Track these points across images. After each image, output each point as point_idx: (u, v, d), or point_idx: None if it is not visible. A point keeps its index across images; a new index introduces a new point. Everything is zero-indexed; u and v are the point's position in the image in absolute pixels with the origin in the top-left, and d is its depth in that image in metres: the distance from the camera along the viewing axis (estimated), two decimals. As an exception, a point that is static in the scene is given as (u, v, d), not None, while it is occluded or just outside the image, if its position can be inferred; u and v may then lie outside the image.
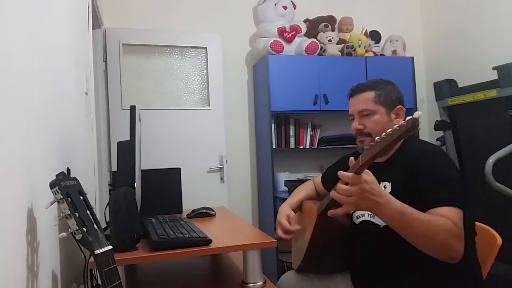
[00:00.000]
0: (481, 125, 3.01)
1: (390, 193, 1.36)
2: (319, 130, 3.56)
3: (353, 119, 1.52)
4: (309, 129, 3.53)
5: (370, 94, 1.47)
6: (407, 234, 1.20)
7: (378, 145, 1.03)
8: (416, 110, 3.50)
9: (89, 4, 2.34)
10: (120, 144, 1.51)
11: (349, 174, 1.13)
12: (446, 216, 1.19)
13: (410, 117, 0.96)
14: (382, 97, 1.46)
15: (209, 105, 3.41)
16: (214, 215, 1.87)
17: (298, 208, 1.70)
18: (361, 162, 1.09)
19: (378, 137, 1.04)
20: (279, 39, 3.31)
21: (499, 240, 1.48)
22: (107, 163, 3.11)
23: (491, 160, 2.52)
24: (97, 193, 2.28)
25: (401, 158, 1.42)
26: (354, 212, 1.50)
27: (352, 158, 1.18)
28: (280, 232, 1.54)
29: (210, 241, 1.27)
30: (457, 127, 3.23)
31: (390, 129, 1.00)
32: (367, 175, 1.14)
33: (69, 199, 0.95)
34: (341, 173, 1.16)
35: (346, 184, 1.15)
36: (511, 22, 3.07)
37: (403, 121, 0.97)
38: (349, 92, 1.56)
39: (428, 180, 1.29)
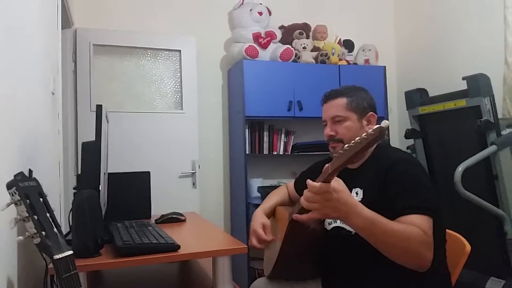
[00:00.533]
0: (451, 134, 3.07)
1: (362, 199, 1.36)
2: (292, 136, 3.56)
3: (326, 125, 1.52)
4: (283, 135, 3.52)
5: (342, 101, 1.48)
6: (376, 243, 1.20)
7: (346, 154, 1.03)
8: (387, 118, 3.54)
9: (58, 3, 2.26)
10: (85, 145, 1.45)
11: (316, 184, 1.11)
12: (416, 224, 1.20)
13: (378, 126, 0.97)
14: (354, 103, 1.47)
15: (182, 109, 3.36)
16: (184, 220, 1.83)
17: (272, 214, 1.68)
18: (330, 170, 1.08)
19: (346, 145, 1.03)
20: (254, 45, 3.30)
21: (468, 247, 1.50)
22: (74, 166, 3.01)
23: (460, 168, 2.56)
24: (62, 197, 2.19)
25: (373, 165, 1.42)
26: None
27: (326, 165, 1.16)
28: (254, 241, 1.52)
29: (178, 247, 1.23)
30: (427, 136, 3.29)
31: (358, 138, 1.00)
32: (337, 184, 1.13)
33: (28, 201, 0.90)
34: (309, 182, 1.14)
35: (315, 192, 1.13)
36: (480, 34, 3.16)
37: (371, 130, 0.98)
38: (322, 98, 1.56)
39: (399, 187, 1.29)
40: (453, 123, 3.03)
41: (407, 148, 3.46)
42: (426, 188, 1.30)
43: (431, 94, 3.31)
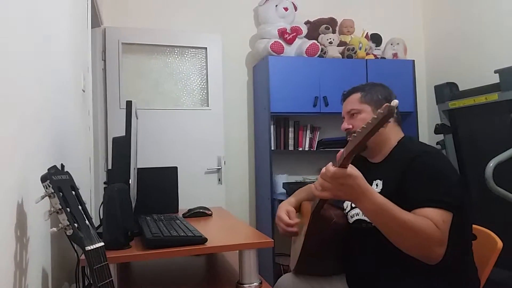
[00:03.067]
0: (482, 128, 2.99)
1: (382, 190, 1.36)
2: (318, 132, 3.54)
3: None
4: (308, 131, 3.51)
5: (356, 95, 1.54)
6: (386, 231, 1.21)
7: (359, 136, 1.05)
8: (416, 113, 3.48)
9: (88, 3, 2.32)
10: (115, 140, 1.49)
11: (332, 168, 1.15)
12: (430, 218, 1.19)
13: (386, 104, 0.99)
14: (368, 96, 1.51)
15: (208, 106, 3.39)
16: (210, 215, 1.85)
17: (298, 208, 1.68)
18: (345, 154, 1.11)
19: (359, 128, 1.06)
20: (279, 40, 3.29)
21: (500, 243, 1.46)
22: (104, 162, 3.09)
23: (492, 164, 2.49)
24: (92, 192, 2.26)
25: (395, 157, 1.43)
26: (350, 211, 1.48)
27: (341, 151, 1.18)
28: (283, 227, 1.53)
29: (205, 239, 1.25)
30: (458, 131, 3.21)
31: (369, 119, 1.02)
32: (352, 169, 1.16)
33: (61, 193, 0.93)
34: (328, 166, 1.18)
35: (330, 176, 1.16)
36: (512, 26, 3.06)
37: (380, 110, 0.99)
38: (341, 97, 1.63)
39: (419, 180, 1.28)
40: (484, 117, 2.95)
41: (437, 143, 3.39)
42: (448, 182, 1.28)
43: (461, 88, 3.23)
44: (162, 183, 1.92)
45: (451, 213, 1.23)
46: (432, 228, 1.17)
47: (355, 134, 1.07)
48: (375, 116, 1.00)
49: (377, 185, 1.40)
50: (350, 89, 1.59)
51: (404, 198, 1.26)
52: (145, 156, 2.83)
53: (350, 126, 1.52)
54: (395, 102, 0.99)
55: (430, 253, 1.19)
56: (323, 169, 1.19)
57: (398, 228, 1.18)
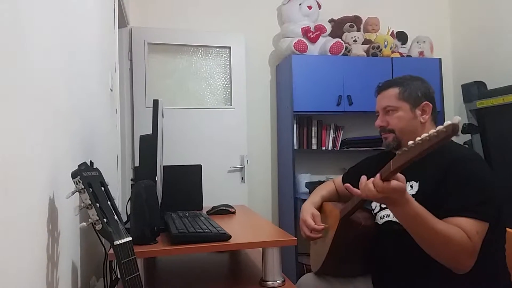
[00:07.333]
0: (511, 128, 2.91)
1: (417, 192, 1.33)
2: (342, 131, 3.52)
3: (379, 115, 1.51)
4: (331, 131, 3.49)
5: (394, 91, 1.46)
6: (417, 237, 1.19)
7: (412, 151, 0.97)
8: (444, 113, 3.41)
9: (115, 3, 2.37)
10: (142, 138, 1.52)
11: (381, 184, 1.10)
12: (463, 228, 1.16)
13: (450, 122, 0.89)
14: (406, 93, 1.44)
15: (231, 105, 3.41)
16: (234, 212, 1.86)
17: (319, 208, 1.67)
18: (392, 168, 1.05)
19: (412, 142, 0.98)
20: (303, 39, 3.28)
21: (529, 246, 1.42)
22: (131, 160, 3.15)
23: (522, 164, 2.43)
24: (119, 189, 2.31)
25: (433, 159, 1.35)
26: (379, 212, 1.46)
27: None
28: (306, 231, 1.52)
29: (229, 236, 1.26)
30: (486, 131, 3.14)
31: (427, 134, 0.94)
32: (399, 183, 1.10)
33: (90, 189, 0.95)
34: (377, 180, 1.13)
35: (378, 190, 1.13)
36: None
37: (442, 127, 0.91)
38: (376, 89, 1.55)
39: (458, 186, 1.24)
40: (514, 117, 2.87)
41: (464, 143, 3.31)
42: (487, 191, 1.24)
43: (489, 87, 3.15)
44: (186, 180, 1.95)
45: (487, 223, 1.19)
46: (464, 240, 1.14)
47: (405, 148, 0.99)
48: (435, 134, 0.91)
49: (411, 186, 1.36)
50: (387, 81, 1.50)
51: (440, 203, 1.23)
52: (170, 154, 2.87)
53: (385, 124, 1.46)
54: (457, 119, 0.88)
55: (458, 264, 1.17)
56: (366, 185, 1.15)
57: (430, 236, 1.16)
